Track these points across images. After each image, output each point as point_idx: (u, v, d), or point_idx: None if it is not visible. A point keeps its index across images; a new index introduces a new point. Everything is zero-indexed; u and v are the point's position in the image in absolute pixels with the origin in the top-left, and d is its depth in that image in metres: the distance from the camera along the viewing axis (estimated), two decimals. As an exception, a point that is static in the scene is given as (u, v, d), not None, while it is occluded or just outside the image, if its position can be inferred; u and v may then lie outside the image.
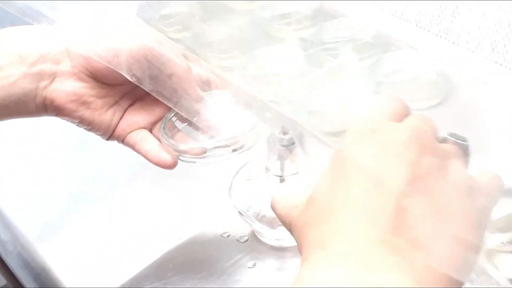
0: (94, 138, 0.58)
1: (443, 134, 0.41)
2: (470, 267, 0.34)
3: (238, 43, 0.85)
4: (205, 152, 0.54)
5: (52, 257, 0.65)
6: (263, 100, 0.58)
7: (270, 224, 0.60)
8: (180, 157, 0.56)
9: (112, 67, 0.52)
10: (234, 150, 0.54)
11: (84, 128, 0.56)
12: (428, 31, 0.86)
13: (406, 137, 0.36)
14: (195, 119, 0.54)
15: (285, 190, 0.41)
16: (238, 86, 0.59)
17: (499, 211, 0.58)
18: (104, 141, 0.58)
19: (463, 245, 0.33)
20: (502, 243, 0.57)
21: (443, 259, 0.32)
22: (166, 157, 0.55)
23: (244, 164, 0.64)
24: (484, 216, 0.36)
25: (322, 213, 0.35)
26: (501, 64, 0.80)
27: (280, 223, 0.40)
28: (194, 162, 0.55)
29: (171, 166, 0.55)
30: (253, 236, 0.64)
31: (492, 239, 0.58)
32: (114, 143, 0.58)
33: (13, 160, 0.78)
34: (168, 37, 0.85)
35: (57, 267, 0.64)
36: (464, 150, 0.41)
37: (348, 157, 0.35)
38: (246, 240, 0.64)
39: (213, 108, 0.55)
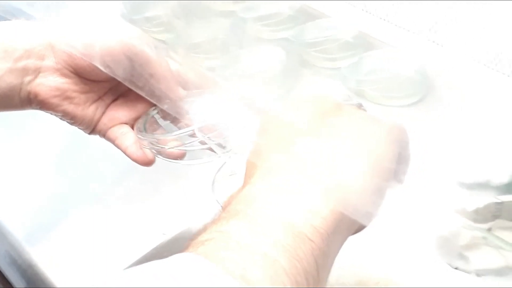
0: (82, 138, 0.59)
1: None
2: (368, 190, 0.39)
3: (220, 44, 0.86)
4: (180, 145, 0.54)
5: (39, 254, 0.66)
6: (244, 98, 0.58)
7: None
8: (159, 155, 0.56)
9: (87, 59, 0.53)
10: (213, 148, 0.55)
11: (67, 122, 0.57)
12: (414, 33, 0.88)
13: (311, 97, 0.46)
14: (176, 114, 0.55)
15: None
16: (218, 83, 0.60)
17: (474, 203, 0.60)
18: (92, 140, 0.59)
19: (363, 167, 0.40)
20: (473, 237, 0.58)
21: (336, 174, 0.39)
22: (144, 154, 0.56)
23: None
24: (386, 149, 0.41)
25: (254, 162, 0.42)
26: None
27: None
28: (176, 161, 0.56)
29: (149, 163, 0.56)
30: (237, 230, 0.65)
31: (468, 230, 0.59)
32: (102, 143, 0.59)
33: (1, 159, 0.79)
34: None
35: (44, 264, 0.65)
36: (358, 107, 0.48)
37: (271, 119, 0.44)
38: (230, 235, 0.65)
39: (196, 107, 0.56)
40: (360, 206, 0.38)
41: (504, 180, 0.65)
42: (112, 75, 0.53)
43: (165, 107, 0.55)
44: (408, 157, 0.45)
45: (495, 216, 0.59)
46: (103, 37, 0.53)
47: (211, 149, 0.54)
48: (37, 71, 0.54)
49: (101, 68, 0.53)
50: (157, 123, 0.58)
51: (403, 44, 0.86)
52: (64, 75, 0.54)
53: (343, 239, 0.40)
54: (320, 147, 0.40)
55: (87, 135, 0.59)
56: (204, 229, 0.37)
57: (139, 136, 0.56)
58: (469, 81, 0.80)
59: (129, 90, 0.56)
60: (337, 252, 0.40)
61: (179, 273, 0.33)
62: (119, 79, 0.53)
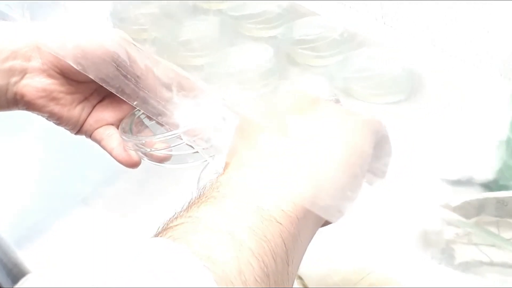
0: (69, 140, 0.60)
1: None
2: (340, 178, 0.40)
3: (209, 42, 0.86)
4: (165, 148, 0.55)
5: (25, 253, 0.66)
6: (227, 100, 0.59)
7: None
8: (144, 158, 0.56)
9: (61, 57, 0.53)
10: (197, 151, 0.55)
11: (53, 122, 0.57)
12: (401, 32, 0.89)
13: (289, 94, 0.46)
14: (158, 117, 0.55)
15: None
16: (203, 86, 0.60)
17: (458, 199, 0.60)
18: (80, 142, 0.60)
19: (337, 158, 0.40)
20: (457, 234, 0.59)
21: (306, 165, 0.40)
22: (129, 156, 0.56)
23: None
24: (359, 143, 0.42)
25: (228, 160, 0.42)
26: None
27: None
28: (161, 164, 0.56)
29: (134, 165, 0.57)
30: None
31: (452, 226, 0.60)
32: (89, 144, 0.59)
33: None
34: (140, 38, 0.87)
35: (30, 264, 0.65)
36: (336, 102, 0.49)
37: (247, 118, 0.45)
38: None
39: (180, 110, 0.56)
40: (326, 201, 0.39)
41: (488, 177, 0.66)
42: (80, 69, 0.53)
43: (148, 109, 0.55)
44: (389, 151, 0.45)
45: (478, 212, 0.60)
46: (80, 39, 0.53)
47: (196, 152, 0.54)
48: (23, 72, 0.54)
49: (78, 69, 0.53)
50: (142, 123, 0.58)
51: (390, 43, 0.87)
52: (50, 76, 0.55)
53: (315, 226, 0.41)
54: (288, 142, 0.41)
55: (75, 136, 0.59)
56: (176, 216, 0.38)
57: (123, 137, 0.56)
58: (455, 79, 0.81)
59: (115, 91, 0.56)
60: (310, 239, 0.40)
61: (144, 256, 0.34)
62: (100, 83, 0.53)
